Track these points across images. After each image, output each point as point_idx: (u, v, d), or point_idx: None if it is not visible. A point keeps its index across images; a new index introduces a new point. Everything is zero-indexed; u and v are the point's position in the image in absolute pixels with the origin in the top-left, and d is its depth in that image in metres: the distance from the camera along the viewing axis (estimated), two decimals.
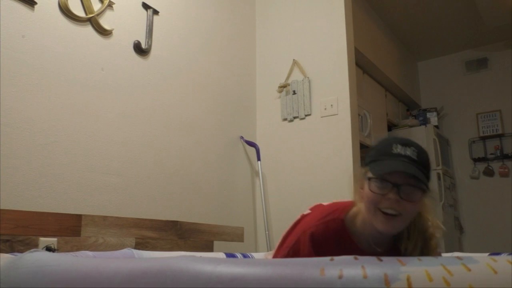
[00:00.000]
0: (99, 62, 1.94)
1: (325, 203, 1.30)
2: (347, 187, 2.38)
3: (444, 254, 1.80)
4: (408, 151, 1.04)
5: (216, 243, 2.38)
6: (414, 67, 4.85)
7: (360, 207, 1.12)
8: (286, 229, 1.31)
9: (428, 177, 1.06)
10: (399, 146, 1.05)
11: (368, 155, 1.13)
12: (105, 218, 1.83)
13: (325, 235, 1.14)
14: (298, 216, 1.31)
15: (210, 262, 0.49)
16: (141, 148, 2.08)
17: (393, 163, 1.04)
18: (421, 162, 1.05)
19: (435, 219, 1.15)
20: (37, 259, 0.55)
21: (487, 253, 1.79)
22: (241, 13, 2.96)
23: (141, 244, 1.95)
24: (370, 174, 1.07)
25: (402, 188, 1.02)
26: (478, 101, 4.38)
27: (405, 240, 1.13)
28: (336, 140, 2.52)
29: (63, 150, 1.75)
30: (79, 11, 1.88)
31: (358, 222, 1.13)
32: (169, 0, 2.38)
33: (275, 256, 1.24)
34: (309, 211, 1.31)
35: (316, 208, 1.30)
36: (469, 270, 0.41)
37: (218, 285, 0.45)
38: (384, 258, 0.45)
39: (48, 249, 1.59)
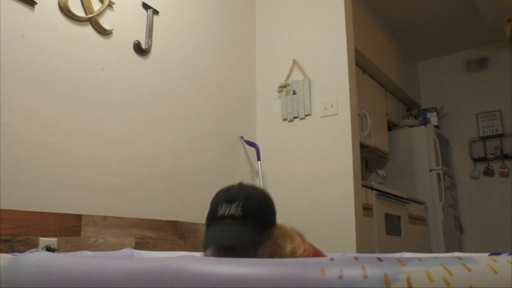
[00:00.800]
0: (99, 62, 1.94)
1: None
2: (347, 186, 2.39)
3: (444, 254, 1.80)
4: (232, 209, 1.00)
5: None
6: (414, 67, 4.85)
7: None
8: None
9: (264, 223, 1.03)
10: (223, 205, 1.02)
11: (206, 216, 1.09)
12: (105, 218, 1.83)
13: None
14: None
15: (210, 262, 0.49)
16: (141, 148, 2.08)
17: (213, 231, 1.00)
18: (247, 215, 1.00)
19: (295, 242, 1.11)
20: (37, 259, 0.55)
21: (487, 253, 1.79)
22: (241, 13, 2.96)
23: (141, 244, 1.95)
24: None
25: (233, 251, 0.96)
26: (478, 101, 4.38)
27: None
28: (336, 140, 2.52)
29: (63, 150, 1.75)
30: (79, 11, 1.89)
31: None
32: (169, 0, 2.38)
33: None
34: None
35: None
36: (469, 270, 0.41)
37: (218, 285, 0.45)
38: (384, 258, 0.45)
39: (48, 249, 1.59)
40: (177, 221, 2.17)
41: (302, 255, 1.07)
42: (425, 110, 4.45)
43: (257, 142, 2.80)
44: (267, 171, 2.76)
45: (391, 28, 4.18)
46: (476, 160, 4.29)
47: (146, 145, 2.11)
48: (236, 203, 1.01)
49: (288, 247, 1.07)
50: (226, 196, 1.04)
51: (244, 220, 0.99)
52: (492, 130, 4.23)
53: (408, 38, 4.39)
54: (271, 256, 1.03)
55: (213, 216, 1.03)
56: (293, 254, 1.06)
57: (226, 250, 0.96)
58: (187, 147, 2.34)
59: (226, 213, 1.00)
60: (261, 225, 1.03)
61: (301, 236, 1.19)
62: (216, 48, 2.67)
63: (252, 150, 2.78)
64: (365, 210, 2.62)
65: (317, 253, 1.16)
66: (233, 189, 1.06)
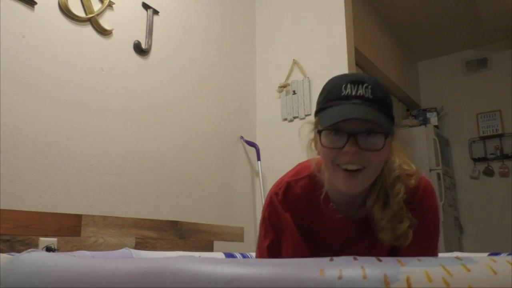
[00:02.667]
0: (99, 62, 1.94)
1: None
2: None
3: (444, 254, 1.80)
4: (360, 90, 0.86)
5: (216, 243, 2.38)
6: (414, 67, 4.85)
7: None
8: None
9: (390, 116, 0.89)
10: (349, 86, 0.87)
11: (317, 102, 0.95)
12: (105, 218, 1.83)
13: (298, 194, 1.02)
14: None
15: (209, 262, 0.49)
16: (141, 148, 2.08)
17: (342, 108, 0.85)
18: (378, 99, 0.87)
19: (404, 160, 0.96)
20: (35, 259, 0.55)
21: (487, 253, 1.79)
22: (241, 13, 2.96)
23: (141, 244, 1.95)
24: (319, 126, 0.90)
25: (361, 137, 0.84)
26: (478, 101, 4.38)
27: (370, 195, 0.94)
28: None
29: (63, 150, 1.75)
30: (79, 11, 1.88)
31: (327, 181, 0.97)
32: (169, 0, 2.38)
33: (259, 239, 1.10)
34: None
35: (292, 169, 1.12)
36: (469, 270, 0.41)
37: (218, 286, 0.45)
38: (384, 259, 0.45)
39: (48, 249, 1.59)
40: (177, 221, 2.17)
41: (410, 175, 0.93)
42: (425, 110, 4.45)
43: (257, 142, 2.80)
44: (267, 171, 2.76)
45: (391, 28, 4.18)
46: (476, 160, 4.28)
47: (146, 145, 2.11)
48: (365, 85, 0.87)
49: (397, 161, 0.94)
50: (352, 76, 0.90)
51: (375, 104, 0.86)
52: (492, 130, 4.23)
53: (408, 38, 4.39)
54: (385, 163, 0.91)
55: (335, 97, 0.88)
56: (402, 168, 0.93)
57: (367, 124, 0.83)
58: (187, 147, 2.34)
59: (354, 93, 0.86)
60: (391, 117, 0.89)
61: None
62: (216, 48, 2.67)
63: (252, 150, 2.78)
64: None
65: (427, 182, 0.99)
66: (355, 73, 0.92)
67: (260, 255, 1.08)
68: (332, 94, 0.90)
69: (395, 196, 0.91)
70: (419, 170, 0.97)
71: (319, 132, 0.89)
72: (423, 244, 0.95)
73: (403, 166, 0.95)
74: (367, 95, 0.86)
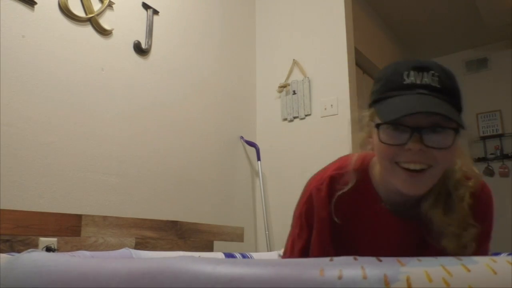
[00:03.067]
0: (99, 62, 1.94)
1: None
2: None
3: None
4: (426, 78, 0.75)
5: (216, 243, 2.38)
6: None
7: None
8: None
9: (459, 109, 0.77)
10: (412, 73, 0.76)
11: (374, 91, 0.84)
12: (105, 218, 1.83)
13: (342, 190, 0.92)
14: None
15: (209, 262, 0.49)
16: (141, 148, 2.08)
17: (406, 100, 0.74)
18: (446, 89, 0.75)
19: (468, 162, 0.85)
20: (35, 259, 0.55)
21: None
22: (241, 13, 2.96)
23: (141, 244, 1.95)
24: (377, 119, 0.78)
25: (426, 132, 0.73)
26: (478, 101, 4.38)
27: (427, 197, 0.83)
28: (336, 140, 2.52)
29: (63, 150, 1.74)
30: (79, 11, 1.88)
31: (378, 178, 0.88)
32: (169, 0, 2.38)
33: (291, 239, 1.03)
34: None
35: (336, 160, 1.02)
36: (469, 270, 0.41)
37: (218, 285, 0.45)
38: (384, 259, 0.45)
39: (48, 249, 1.59)
40: (177, 221, 2.17)
41: (470, 178, 0.85)
42: None
43: (257, 142, 2.80)
44: (267, 171, 2.76)
45: (391, 28, 4.18)
46: (476, 160, 4.28)
47: (146, 145, 2.11)
48: (431, 72, 0.76)
49: (459, 161, 0.84)
50: (415, 62, 0.78)
51: (443, 95, 0.75)
52: (492, 130, 4.23)
53: (408, 38, 4.39)
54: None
55: (397, 85, 0.77)
56: (463, 170, 0.84)
57: (434, 117, 0.72)
58: (187, 147, 2.34)
59: (419, 81, 0.75)
60: (458, 108, 0.77)
61: None
62: (216, 48, 2.67)
63: (252, 150, 2.78)
64: None
65: (486, 186, 0.93)
66: (418, 59, 0.80)
67: (290, 256, 1.00)
68: (392, 83, 0.78)
69: (460, 202, 0.83)
70: (480, 173, 0.89)
71: (378, 126, 0.78)
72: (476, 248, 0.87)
73: (463, 167, 0.86)
74: (434, 84, 0.75)
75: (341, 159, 1.01)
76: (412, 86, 0.75)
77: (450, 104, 0.75)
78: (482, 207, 0.89)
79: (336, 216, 0.92)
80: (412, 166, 0.75)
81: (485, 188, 0.92)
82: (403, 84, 0.76)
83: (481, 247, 0.90)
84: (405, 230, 0.90)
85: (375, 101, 0.81)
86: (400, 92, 0.76)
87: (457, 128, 0.74)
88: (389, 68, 0.82)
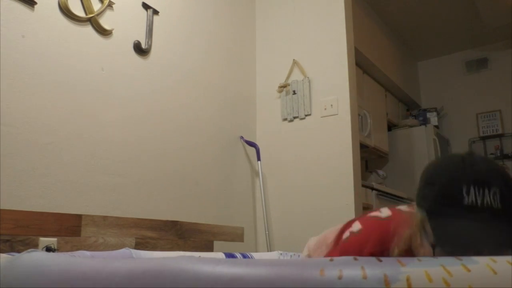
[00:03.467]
0: (99, 62, 1.94)
1: (380, 216, 0.95)
2: (347, 186, 2.39)
3: None
4: (487, 198, 0.69)
5: (216, 243, 2.38)
6: (414, 67, 4.85)
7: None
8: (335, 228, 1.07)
9: None
10: (472, 190, 0.70)
11: (424, 197, 0.77)
12: (105, 218, 1.83)
13: None
14: (343, 226, 1.02)
15: (209, 262, 0.49)
16: (141, 148, 2.08)
17: (467, 228, 0.68)
18: (507, 208, 0.70)
19: None
20: (35, 259, 0.55)
21: None
22: (241, 13, 2.96)
23: (141, 244, 1.95)
24: (431, 235, 0.73)
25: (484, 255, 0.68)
26: (478, 101, 4.38)
27: None
28: (336, 140, 2.52)
29: (63, 150, 1.74)
30: (79, 11, 1.88)
31: None
32: (169, 0, 2.38)
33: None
34: (360, 227, 0.96)
35: (371, 226, 0.94)
36: (469, 270, 0.41)
37: (217, 286, 0.45)
38: (384, 259, 0.45)
39: (48, 249, 1.59)
40: (177, 221, 2.17)
41: None
42: (425, 110, 4.45)
43: (257, 142, 2.80)
44: (267, 171, 2.76)
45: (391, 28, 4.18)
46: None
47: (146, 145, 2.11)
48: (492, 190, 0.70)
49: None
50: (475, 174, 0.71)
51: (504, 216, 0.69)
52: (492, 130, 4.23)
53: (408, 38, 4.39)
54: None
55: (456, 202, 0.71)
56: None
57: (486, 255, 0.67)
58: (187, 147, 2.34)
59: (480, 202, 0.69)
60: None
61: None
62: (216, 48, 2.67)
63: (252, 150, 2.78)
64: (365, 210, 2.62)
65: None
66: (477, 163, 0.73)
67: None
68: (450, 197, 0.72)
69: None
70: None
71: (434, 246, 0.73)
72: None
73: None
74: (496, 206, 0.69)
75: (372, 230, 0.93)
76: (473, 209, 0.70)
77: (509, 224, 0.70)
78: None
79: None
80: None
81: None
82: (463, 204, 0.70)
83: None
84: None
85: (430, 211, 0.75)
86: (460, 214, 0.70)
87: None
88: (444, 174, 0.75)
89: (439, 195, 0.73)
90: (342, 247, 0.97)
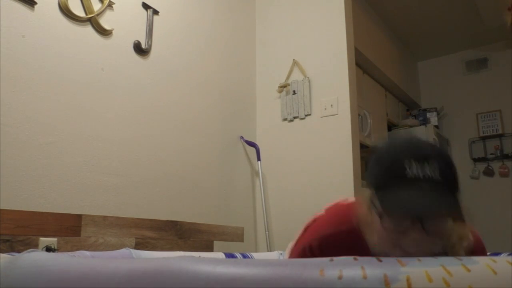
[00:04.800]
0: (99, 62, 1.94)
1: (343, 202, 1.05)
2: (347, 186, 2.39)
3: None
4: (428, 169, 0.76)
5: (216, 243, 2.38)
6: (414, 67, 4.85)
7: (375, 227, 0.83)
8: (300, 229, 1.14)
9: (457, 194, 0.80)
10: (414, 164, 0.77)
11: (373, 175, 0.84)
12: (105, 218, 1.83)
13: (339, 246, 0.92)
14: (312, 217, 1.11)
15: (209, 262, 0.49)
16: (141, 148, 2.08)
17: (410, 196, 0.75)
18: (447, 180, 0.77)
19: (463, 225, 0.87)
20: (35, 259, 0.55)
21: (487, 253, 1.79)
22: (241, 13, 2.96)
23: (141, 244, 1.95)
24: (379, 206, 0.79)
25: (428, 223, 0.76)
26: (478, 101, 4.38)
27: None
28: (336, 140, 2.52)
29: (63, 150, 1.74)
30: (79, 11, 1.88)
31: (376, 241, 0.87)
32: (169, 0, 2.38)
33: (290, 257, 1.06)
34: (323, 213, 1.07)
35: (331, 210, 1.05)
36: (469, 270, 0.41)
37: (217, 286, 0.45)
38: (384, 259, 0.45)
39: (48, 249, 1.59)
40: (177, 221, 2.17)
41: (468, 247, 0.86)
42: (425, 110, 4.45)
43: (257, 142, 2.80)
44: (267, 171, 2.76)
45: (391, 28, 4.17)
46: (476, 160, 4.28)
47: (146, 145, 2.11)
48: (432, 163, 0.77)
49: (458, 231, 0.84)
50: (414, 151, 0.79)
51: (444, 186, 0.76)
52: (492, 130, 4.23)
53: (408, 38, 4.39)
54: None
55: (399, 175, 0.77)
56: (460, 240, 0.84)
57: (427, 220, 0.75)
58: (187, 147, 2.34)
59: (421, 174, 0.76)
60: (457, 197, 0.79)
61: None
62: (216, 48, 2.67)
63: (252, 150, 2.78)
64: None
65: (480, 244, 0.95)
66: (418, 143, 0.81)
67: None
68: (394, 172, 0.79)
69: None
70: (473, 232, 0.93)
71: (380, 214, 0.80)
72: None
73: (459, 231, 0.86)
74: (436, 177, 0.76)
75: (336, 211, 1.02)
76: (414, 180, 0.76)
77: (451, 194, 0.77)
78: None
79: None
80: (413, 250, 0.76)
81: (479, 243, 0.95)
82: (405, 176, 0.77)
83: None
84: None
85: (377, 187, 0.82)
86: (402, 184, 0.77)
87: (457, 216, 0.78)
88: (390, 151, 0.82)
89: (385, 171, 0.80)
90: (304, 231, 1.05)
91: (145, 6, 2.21)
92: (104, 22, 1.99)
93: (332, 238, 0.94)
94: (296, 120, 2.72)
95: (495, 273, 0.40)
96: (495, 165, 4.18)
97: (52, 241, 1.61)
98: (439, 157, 0.79)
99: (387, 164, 0.80)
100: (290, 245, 1.15)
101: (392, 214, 0.77)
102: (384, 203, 0.78)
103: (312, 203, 2.52)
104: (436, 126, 4.28)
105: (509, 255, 0.97)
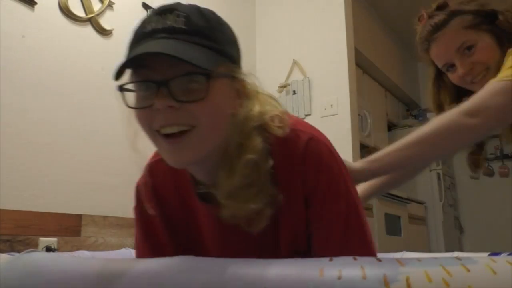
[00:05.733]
0: (99, 62, 1.94)
1: None
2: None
3: (444, 254, 1.79)
4: (169, 20, 0.62)
5: None
6: (414, 67, 4.85)
7: None
8: None
9: (220, 50, 0.66)
10: (154, 18, 0.63)
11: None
12: (105, 218, 1.83)
13: (161, 179, 0.81)
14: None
15: (208, 262, 0.49)
16: (141, 148, 2.07)
17: (140, 48, 0.61)
18: (195, 29, 0.63)
19: (270, 107, 0.72)
20: (35, 259, 0.55)
21: (487, 253, 1.79)
22: (241, 13, 2.96)
23: None
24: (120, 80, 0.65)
25: (175, 85, 0.59)
26: None
27: (222, 165, 0.66)
28: (336, 140, 2.49)
29: (63, 150, 1.75)
30: (79, 11, 1.88)
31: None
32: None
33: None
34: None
35: None
36: (469, 270, 0.41)
37: (217, 285, 0.45)
38: (384, 259, 0.45)
39: (48, 249, 1.59)
40: None
41: (274, 118, 0.70)
42: (425, 110, 4.45)
43: None
44: None
45: (391, 28, 4.18)
46: None
47: (146, 145, 2.10)
48: (175, 13, 0.63)
49: (257, 108, 0.71)
50: (160, 7, 0.65)
51: (189, 36, 0.62)
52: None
53: (408, 38, 4.39)
54: (232, 115, 0.66)
55: (138, 37, 0.64)
56: (262, 115, 0.71)
57: (179, 66, 0.58)
58: None
59: (161, 26, 0.62)
60: (215, 49, 0.65)
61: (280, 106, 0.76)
62: None
63: None
64: (365, 210, 2.61)
65: (297, 125, 0.75)
66: (167, 4, 0.66)
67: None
68: (135, 35, 0.65)
69: (240, 157, 0.64)
70: (292, 116, 0.74)
71: (121, 88, 0.67)
72: (327, 231, 0.70)
73: (269, 113, 0.71)
74: (178, 25, 0.62)
75: None
76: (153, 32, 0.62)
77: (199, 45, 0.62)
78: (307, 168, 0.70)
79: (167, 213, 0.81)
80: (168, 130, 0.62)
81: (311, 142, 0.73)
82: (144, 33, 0.63)
83: (333, 229, 0.71)
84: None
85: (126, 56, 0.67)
86: (140, 40, 0.63)
87: (211, 72, 0.60)
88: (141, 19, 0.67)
89: (132, 36, 0.66)
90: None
91: (145, 6, 2.21)
92: (104, 22, 1.99)
93: (155, 165, 0.85)
94: None
95: (494, 273, 0.40)
96: (495, 165, 4.18)
97: (52, 241, 1.61)
98: (189, 9, 0.65)
99: (135, 28, 0.66)
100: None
101: (116, 76, 0.65)
102: (117, 72, 0.65)
103: None
104: None
105: (509, 255, 0.97)
